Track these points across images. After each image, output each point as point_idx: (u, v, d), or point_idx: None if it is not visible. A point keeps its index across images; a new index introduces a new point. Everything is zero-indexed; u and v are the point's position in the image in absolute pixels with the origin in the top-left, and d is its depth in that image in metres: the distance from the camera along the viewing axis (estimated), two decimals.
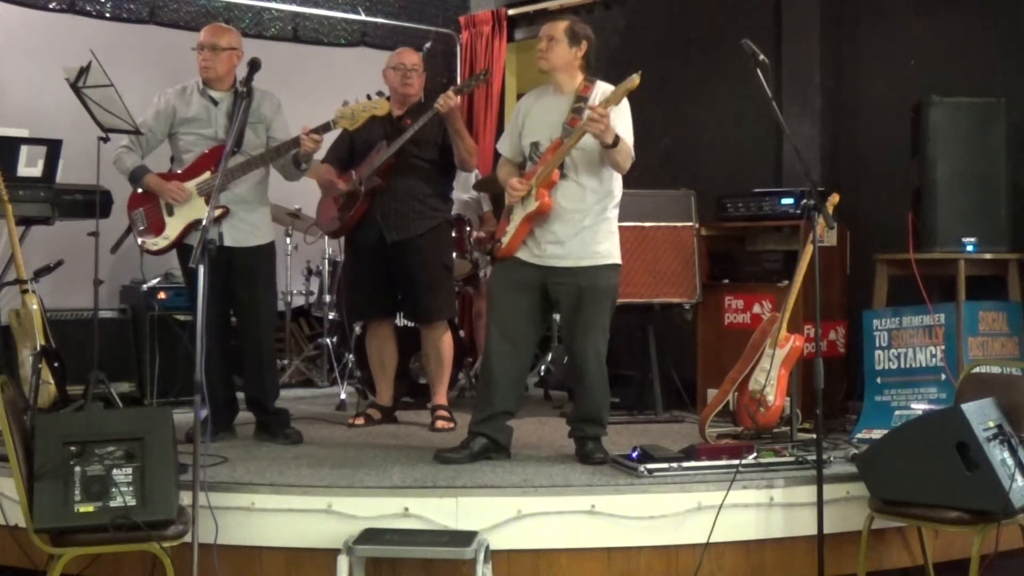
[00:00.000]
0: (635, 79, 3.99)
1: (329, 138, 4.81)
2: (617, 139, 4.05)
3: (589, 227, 4.21)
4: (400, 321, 5.51)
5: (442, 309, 5.15)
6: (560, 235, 4.20)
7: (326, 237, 6.43)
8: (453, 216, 5.55)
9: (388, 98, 4.94)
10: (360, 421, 5.13)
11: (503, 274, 4.35)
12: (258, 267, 4.71)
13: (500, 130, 7.27)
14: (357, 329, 5.85)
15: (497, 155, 4.62)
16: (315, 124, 4.49)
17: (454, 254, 5.58)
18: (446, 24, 7.66)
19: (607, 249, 4.26)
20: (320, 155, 4.89)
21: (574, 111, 4.18)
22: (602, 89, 4.24)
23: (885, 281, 5.00)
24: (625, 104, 4.20)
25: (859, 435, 4.64)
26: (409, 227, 4.98)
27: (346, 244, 5.31)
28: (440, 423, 5.05)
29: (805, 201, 4.54)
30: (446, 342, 5.18)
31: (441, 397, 5.22)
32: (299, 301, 6.78)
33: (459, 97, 4.87)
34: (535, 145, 4.28)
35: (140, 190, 4.63)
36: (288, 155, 4.58)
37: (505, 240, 4.28)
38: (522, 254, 4.27)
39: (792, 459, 4.01)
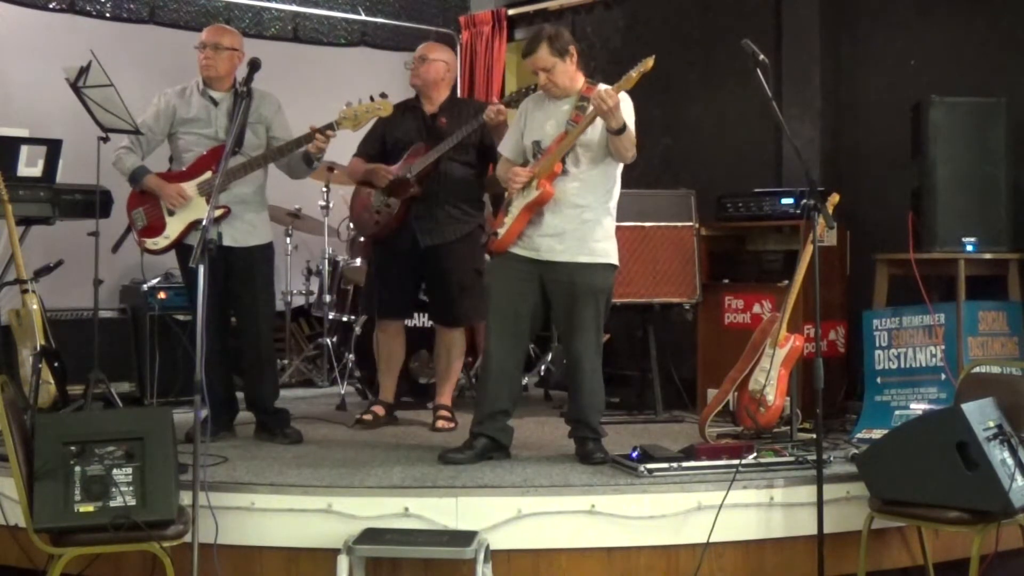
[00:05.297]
0: (648, 62, 3.98)
1: (349, 135, 4.77)
2: (624, 125, 4.05)
3: (588, 222, 4.21)
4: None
5: (469, 313, 5.10)
6: (559, 229, 4.20)
7: (326, 237, 6.44)
8: None
9: (387, 96, 4.90)
10: (368, 417, 5.10)
11: (501, 270, 4.34)
12: (257, 267, 4.71)
13: None
14: (357, 329, 5.85)
15: (498, 155, 4.61)
16: (316, 124, 4.48)
17: None
18: (446, 24, 7.65)
19: (604, 248, 4.25)
20: (346, 152, 4.79)
21: (577, 108, 4.18)
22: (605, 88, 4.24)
23: (885, 281, 5.00)
24: (628, 97, 4.20)
25: (859, 435, 4.64)
26: (443, 232, 4.95)
27: (375, 243, 5.24)
28: (441, 423, 5.05)
29: (805, 201, 4.54)
30: (459, 343, 5.18)
31: (446, 397, 5.21)
32: (299, 301, 6.77)
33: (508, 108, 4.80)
34: (536, 144, 4.28)
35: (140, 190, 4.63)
36: (296, 153, 4.57)
37: (502, 231, 4.27)
38: (519, 249, 4.27)
39: (792, 459, 4.01)
